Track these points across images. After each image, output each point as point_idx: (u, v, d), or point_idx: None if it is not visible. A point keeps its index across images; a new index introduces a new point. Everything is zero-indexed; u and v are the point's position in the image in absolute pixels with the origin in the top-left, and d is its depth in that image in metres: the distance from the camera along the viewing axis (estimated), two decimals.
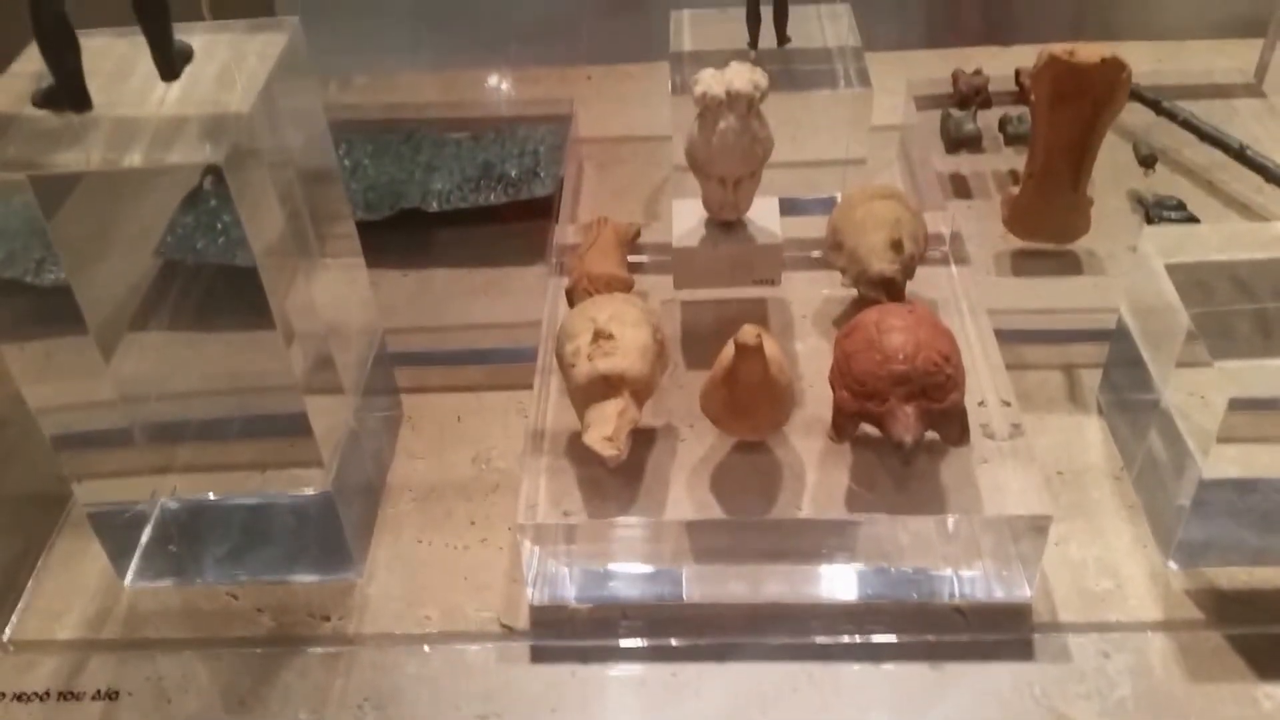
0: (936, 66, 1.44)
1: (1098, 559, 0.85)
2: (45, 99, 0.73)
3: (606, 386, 0.81)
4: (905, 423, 0.76)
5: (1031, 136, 0.96)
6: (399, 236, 1.15)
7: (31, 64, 0.76)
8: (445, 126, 1.30)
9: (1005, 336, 0.94)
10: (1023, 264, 1.04)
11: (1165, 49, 1.47)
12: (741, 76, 0.87)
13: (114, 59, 0.77)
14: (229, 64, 0.77)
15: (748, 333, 0.77)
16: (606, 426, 0.79)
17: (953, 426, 0.80)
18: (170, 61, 0.74)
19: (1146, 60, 1.44)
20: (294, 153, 0.80)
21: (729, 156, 0.88)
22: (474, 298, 1.11)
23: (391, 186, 1.18)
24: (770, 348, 0.81)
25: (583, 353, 0.82)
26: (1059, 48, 0.90)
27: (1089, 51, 0.89)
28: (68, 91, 0.72)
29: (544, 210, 1.17)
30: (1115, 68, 0.89)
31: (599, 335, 0.82)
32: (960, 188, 1.14)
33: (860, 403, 0.79)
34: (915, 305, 0.83)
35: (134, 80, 0.75)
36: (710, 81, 0.87)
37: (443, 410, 1.03)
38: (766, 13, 1.15)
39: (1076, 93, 0.91)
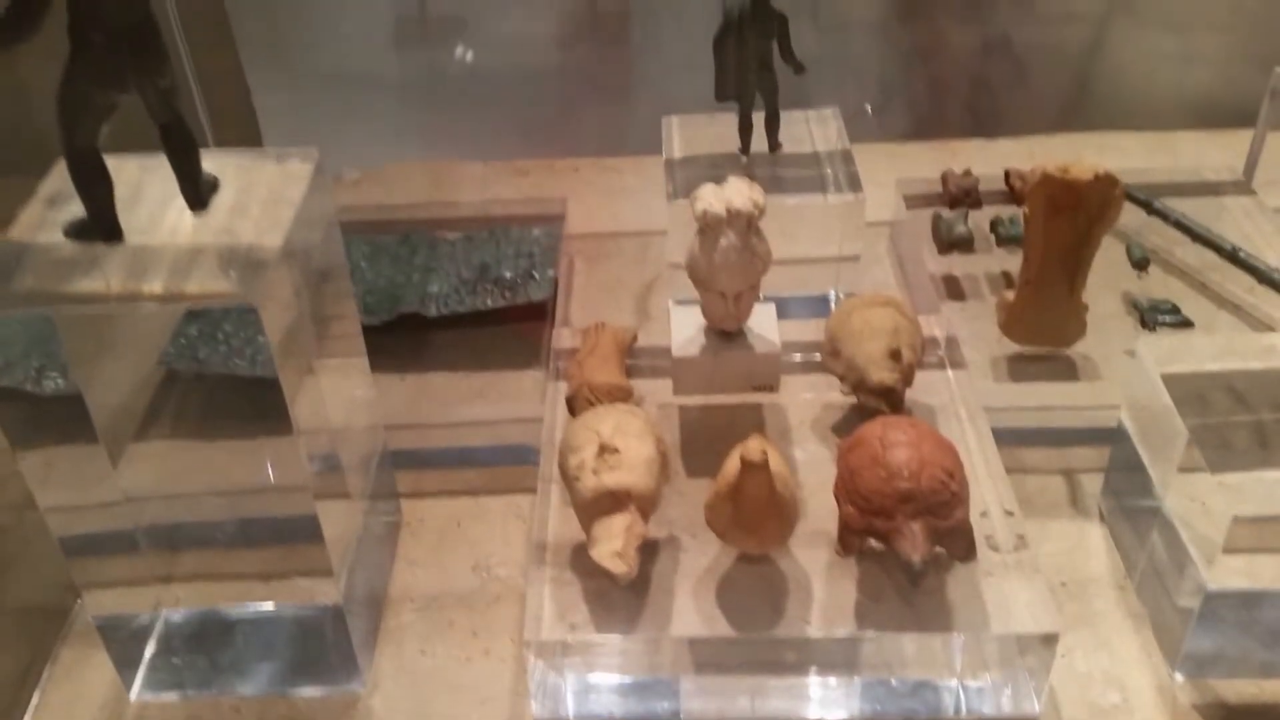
0: (924, 159, 1.47)
1: (1104, 671, 0.84)
2: (76, 231, 0.74)
3: (613, 501, 0.81)
4: (913, 541, 0.76)
5: (1026, 245, 0.98)
6: (395, 339, 1.15)
7: (56, 184, 0.77)
8: (440, 225, 1.31)
9: (1004, 440, 0.95)
10: (1019, 367, 1.05)
11: (1152, 140, 1.50)
12: (741, 195, 0.88)
13: (132, 185, 0.77)
14: (256, 195, 0.77)
15: (753, 449, 0.77)
16: (615, 542, 0.79)
17: (959, 543, 0.80)
18: (199, 192, 0.75)
19: (1134, 152, 1.48)
20: (310, 261, 0.81)
21: (730, 272, 0.89)
22: (471, 401, 1.10)
23: (390, 290, 1.19)
24: (775, 462, 0.81)
25: (588, 466, 0.82)
26: (1053, 165, 0.91)
27: (1082, 168, 0.91)
28: (99, 223, 0.73)
29: (539, 311, 1.18)
30: (1108, 184, 0.91)
31: (604, 449, 0.82)
32: (953, 289, 1.15)
33: (867, 519, 0.79)
34: (917, 420, 0.83)
35: (159, 208, 0.76)
36: (711, 199, 0.88)
37: (442, 515, 1.02)
38: (758, 119, 1.17)
39: (1071, 205, 0.93)
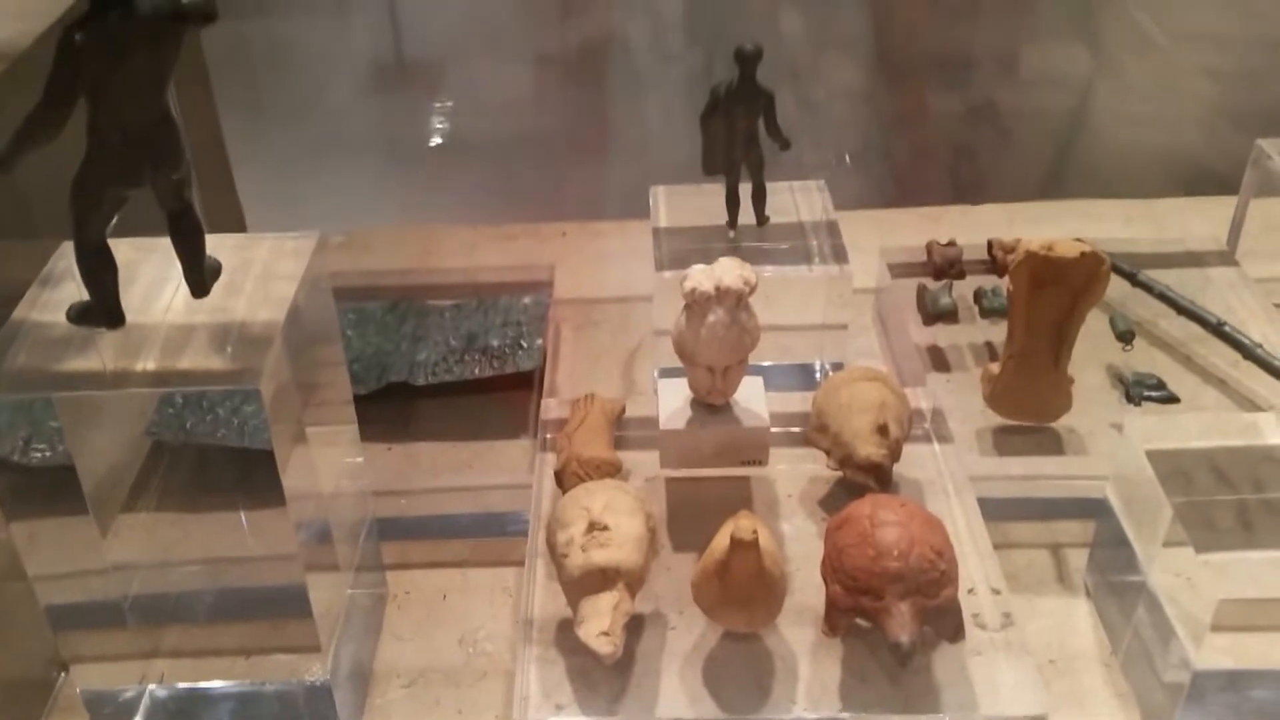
0: (908, 226, 1.48)
1: None
2: (80, 316, 0.75)
3: (602, 579, 0.80)
4: (901, 622, 0.76)
5: (1010, 320, 0.99)
6: (382, 408, 1.15)
7: (57, 265, 0.78)
8: (428, 293, 1.31)
9: (990, 515, 0.95)
10: (1005, 440, 1.06)
11: (1134, 207, 1.52)
12: (731, 273, 0.89)
13: (128, 266, 0.78)
14: (256, 277, 0.79)
15: (744, 527, 0.77)
16: (602, 621, 0.78)
17: (948, 622, 0.80)
18: (202, 279, 0.75)
19: (1115, 219, 1.49)
20: (305, 335, 0.82)
21: (717, 348, 0.90)
22: (458, 471, 1.10)
23: (378, 358, 1.19)
24: (764, 539, 0.81)
25: (576, 543, 0.82)
26: (1036, 244, 0.93)
27: (1066, 247, 0.92)
28: (104, 310, 0.73)
29: (527, 380, 1.18)
30: (1094, 261, 0.92)
31: (594, 526, 0.82)
32: (938, 360, 1.16)
33: (854, 598, 0.79)
34: (906, 498, 0.84)
35: (156, 290, 0.78)
36: (700, 278, 0.89)
37: (429, 588, 1.01)
38: (745, 191, 1.18)
39: (1055, 281, 0.94)
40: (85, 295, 0.74)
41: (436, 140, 1.89)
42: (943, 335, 1.19)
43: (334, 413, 0.89)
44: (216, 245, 0.78)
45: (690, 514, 0.98)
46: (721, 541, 0.79)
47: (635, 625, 0.87)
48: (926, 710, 0.81)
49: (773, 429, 1.01)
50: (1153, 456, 0.88)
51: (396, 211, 1.78)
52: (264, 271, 0.79)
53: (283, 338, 0.74)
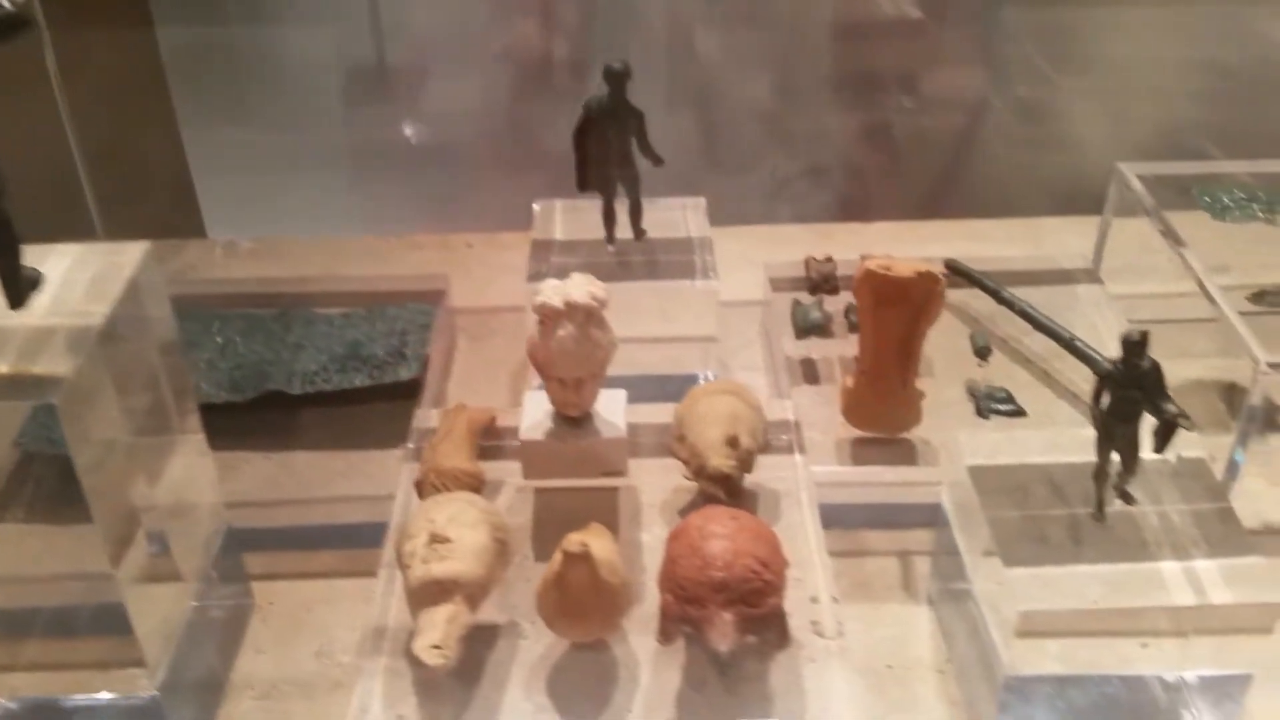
0: (801, 242, 1.50)
1: None
2: None
3: (439, 591, 0.82)
4: (722, 630, 0.78)
5: (860, 335, 1.02)
6: (263, 417, 1.16)
7: None
8: (320, 301, 1.33)
9: (847, 523, 0.98)
10: (863, 451, 1.09)
11: (1020, 226, 1.56)
12: (580, 289, 0.91)
13: None
14: (77, 288, 0.79)
15: (572, 541, 0.80)
16: (435, 633, 0.80)
17: (771, 631, 0.82)
18: (19, 290, 0.76)
19: (998, 238, 1.53)
20: (133, 347, 0.82)
21: (567, 361, 0.92)
22: (334, 481, 1.12)
23: (259, 366, 1.20)
24: (603, 550, 0.84)
25: (418, 555, 0.84)
26: (874, 262, 0.96)
27: (904, 266, 0.95)
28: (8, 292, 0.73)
29: (412, 390, 1.20)
30: (930, 280, 0.95)
31: (434, 538, 0.84)
32: (810, 373, 1.19)
33: (682, 607, 0.81)
34: (739, 511, 0.86)
35: None
36: (550, 293, 0.91)
37: (294, 599, 1.03)
38: (623, 207, 1.20)
39: (898, 299, 0.97)
40: None
41: (359, 150, 1.91)
42: (816, 349, 1.22)
43: (174, 422, 0.90)
44: (47, 255, 0.79)
45: (556, 524, 0.99)
46: (559, 554, 0.82)
47: (488, 636, 0.89)
48: (758, 716, 0.83)
49: (645, 440, 1.04)
50: (989, 470, 0.91)
51: (318, 220, 1.80)
52: (91, 281, 0.80)
53: (96, 349, 0.74)
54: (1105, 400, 0.84)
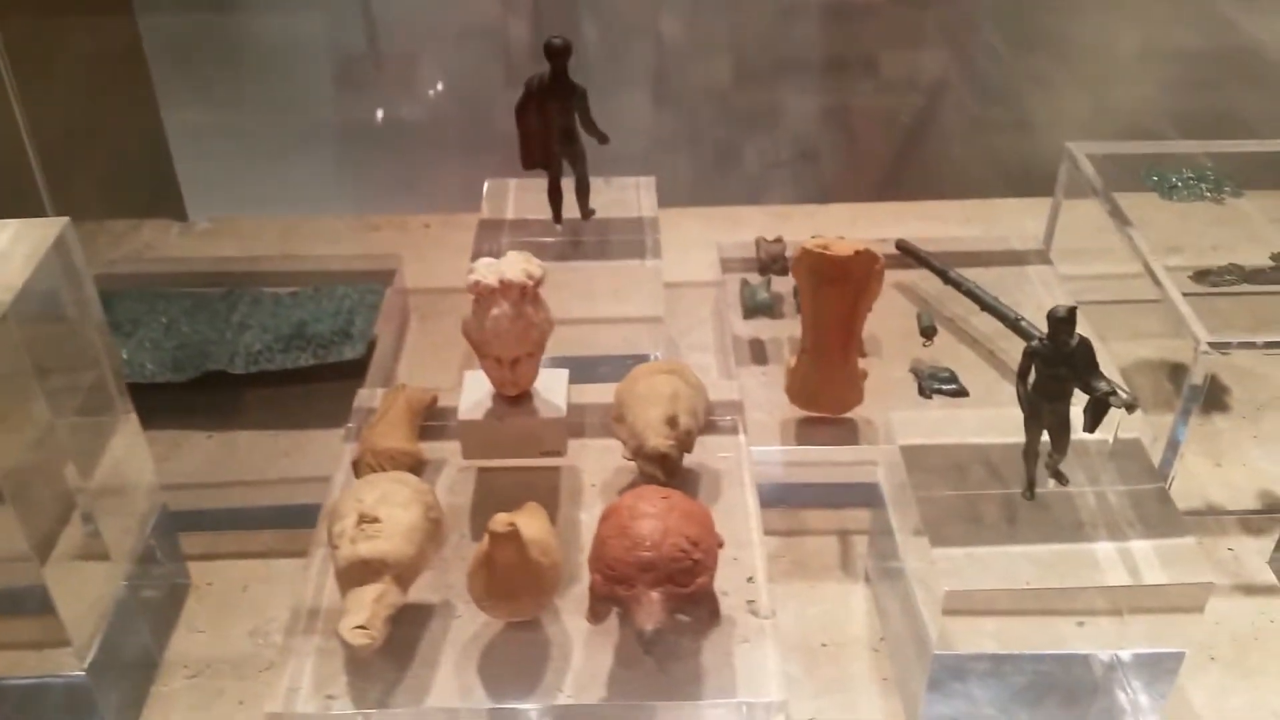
0: (758, 223, 1.51)
1: None
2: None
3: (367, 571, 0.82)
4: (648, 610, 0.78)
5: (801, 317, 1.01)
6: (206, 397, 1.15)
7: None
8: (272, 280, 1.32)
9: (790, 502, 0.98)
10: (807, 432, 1.08)
11: (975, 208, 1.56)
12: (515, 267, 0.90)
13: None
14: None
15: (499, 521, 0.79)
16: (361, 614, 0.79)
17: (701, 610, 0.82)
18: None
19: (955, 219, 1.53)
20: (44, 328, 0.81)
21: (502, 340, 0.91)
22: (275, 460, 1.11)
23: (202, 346, 1.19)
24: (534, 530, 0.83)
25: (347, 535, 0.83)
26: (812, 242, 0.95)
27: (843, 245, 0.95)
28: None
29: (360, 369, 1.19)
30: (869, 260, 0.94)
31: (363, 518, 0.83)
32: (758, 353, 1.19)
33: (610, 586, 0.81)
34: (671, 490, 0.86)
35: None
36: (484, 271, 0.90)
37: (231, 579, 1.02)
38: (569, 185, 1.20)
39: (838, 278, 0.96)
40: None
41: (330, 129, 1.90)
42: (765, 329, 1.22)
43: (100, 403, 0.89)
44: None
45: (496, 504, 0.98)
46: (488, 534, 0.81)
47: (421, 615, 0.89)
48: (687, 696, 0.83)
49: (588, 420, 1.03)
50: (928, 449, 0.91)
51: (277, 200, 1.79)
52: (2, 258, 0.79)
53: (4, 327, 0.73)
54: (1034, 378, 0.83)
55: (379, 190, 1.87)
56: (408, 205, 1.66)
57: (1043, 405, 0.83)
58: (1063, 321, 0.80)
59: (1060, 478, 0.88)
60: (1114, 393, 0.81)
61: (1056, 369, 0.81)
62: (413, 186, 1.86)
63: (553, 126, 1.11)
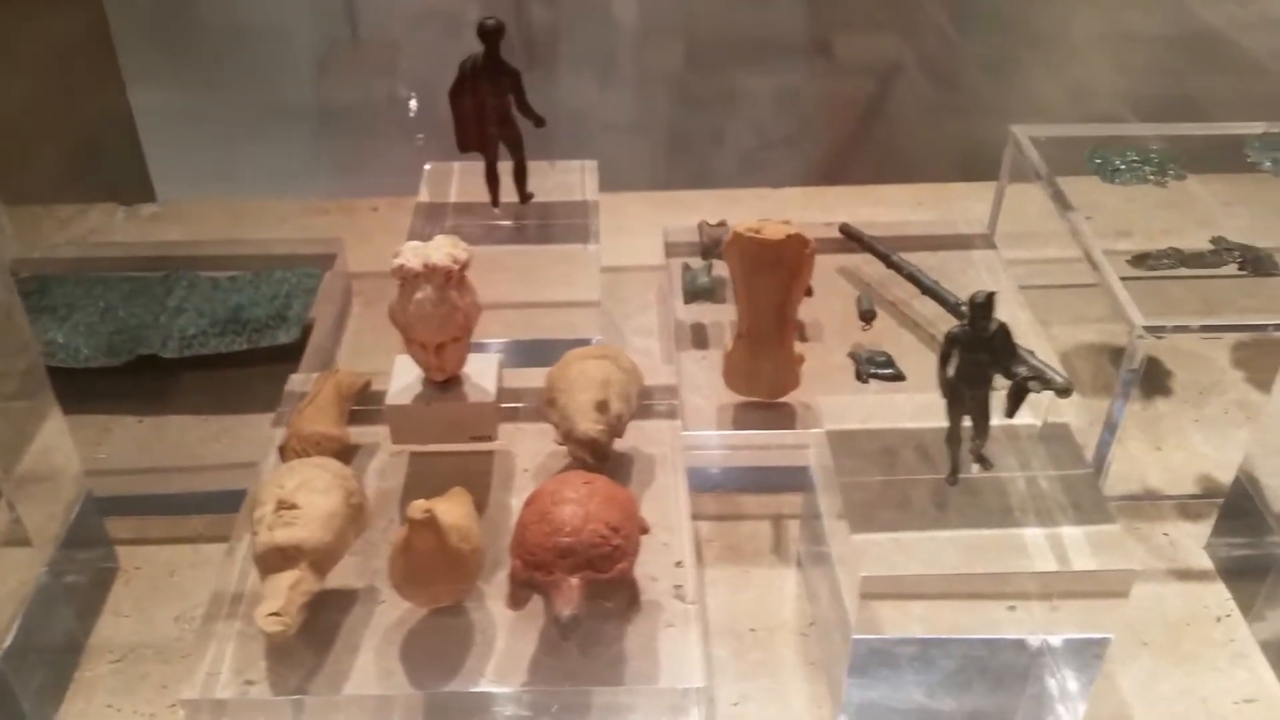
0: (706, 208, 1.49)
1: None
2: None
3: (283, 557, 0.81)
4: (566, 596, 0.77)
5: (736, 301, 1.01)
6: (140, 382, 1.14)
7: None
8: (210, 265, 1.30)
9: (726, 486, 0.97)
10: (745, 416, 1.08)
11: (927, 192, 1.55)
12: (440, 251, 0.89)
13: None
14: None
15: (416, 507, 0.78)
16: (276, 601, 0.79)
17: (621, 596, 0.81)
18: None
19: (906, 203, 1.53)
20: None
21: (426, 324, 0.90)
22: (207, 445, 1.10)
23: (137, 330, 1.18)
24: (455, 515, 0.82)
25: (265, 521, 0.82)
26: (744, 226, 0.94)
27: (773, 229, 0.94)
28: None
29: (296, 353, 1.18)
30: (800, 244, 0.94)
31: (281, 504, 0.82)
32: (699, 338, 1.18)
33: (529, 572, 0.80)
34: (595, 476, 0.85)
35: None
36: (408, 255, 0.89)
37: (159, 563, 1.01)
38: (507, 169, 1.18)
39: (771, 262, 0.96)
40: None
41: (282, 111, 1.88)
42: (707, 314, 1.21)
43: (22, 390, 0.88)
44: None
45: (427, 489, 0.97)
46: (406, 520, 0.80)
47: (345, 601, 0.88)
48: (610, 682, 0.83)
49: (523, 404, 1.03)
50: (860, 434, 0.91)
51: (227, 183, 1.77)
52: None
53: None
54: (955, 363, 0.83)
55: (344, 173, 1.85)
56: (373, 188, 1.64)
57: (964, 390, 0.83)
58: (981, 307, 0.79)
59: (984, 462, 0.87)
60: (1033, 378, 0.81)
61: (976, 354, 0.81)
62: (374, 169, 1.84)
63: (487, 109, 1.10)
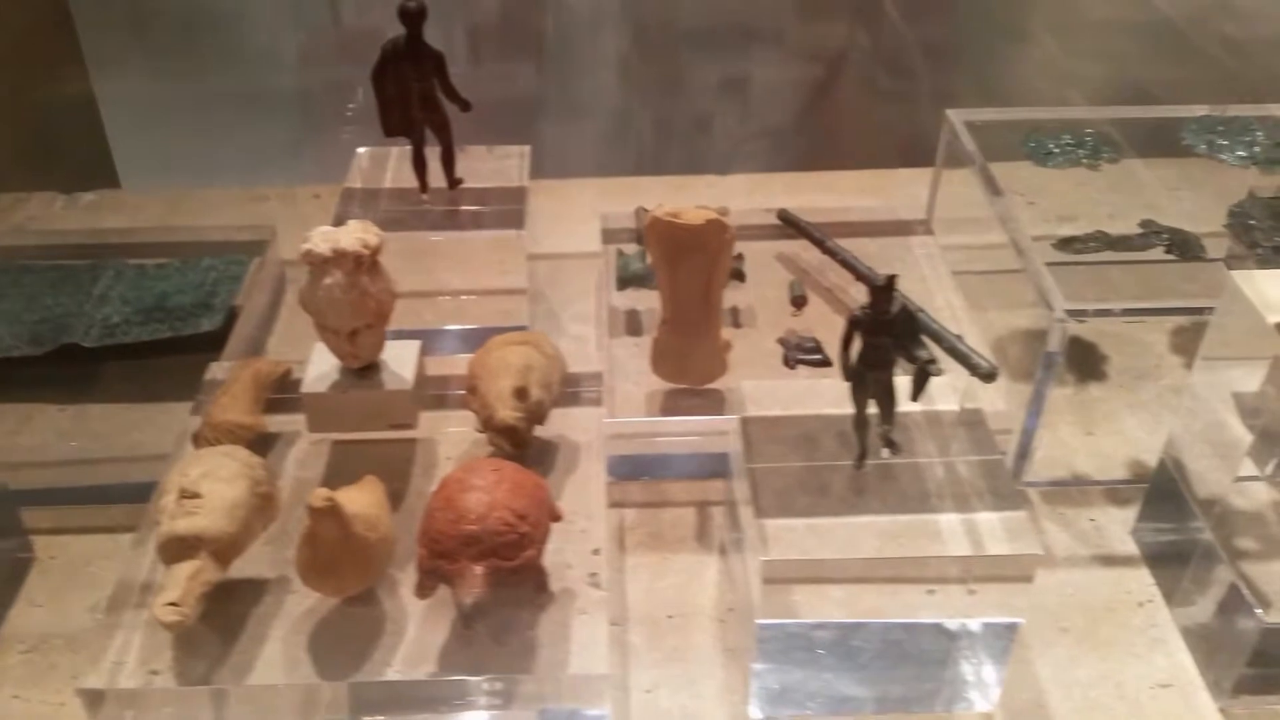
0: (655, 193, 1.48)
1: (684, 708, 0.86)
2: None
3: (183, 547, 0.80)
4: (470, 583, 0.77)
5: (659, 288, 1.00)
6: (62, 371, 1.13)
7: None
8: (143, 253, 1.29)
9: (655, 474, 0.96)
10: (674, 403, 1.07)
11: (872, 178, 1.55)
12: (350, 236, 0.88)
13: None
14: None
15: (317, 495, 0.77)
16: (174, 591, 0.78)
17: (527, 584, 0.81)
18: None
19: (851, 190, 1.52)
20: None
21: (336, 310, 0.89)
22: (126, 434, 1.09)
23: (62, 319, 1.16)
24: (362, 504, 0.82)
25: (167, 511, 0.81)
26: (662, 210, 0.93)
27: (693, 214, 0.93)
28: None
29: (223, 342, 1.16)
30: (718, 228, 0.93)
31: (184, 494, 0.81)
32: (633, 324, 1.17)
33: (435, 561, 0.79)
34: (504, 463, 0.84)
35: None
36: (317, 241, 0.88)
37: (76, 554, 1.00)
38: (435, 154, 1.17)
39: (691, 248, 0.95)
40: None
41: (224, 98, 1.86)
42: (642, 300, 1.20)
43: None
44: None
45: (347, 477, 0.96)
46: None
47: (255, 591, 0.87)
48: (520, 670, 0.82)
49: (448, 392, 1.02)
50: (758, 421, 0.90)
51: (165, 171, 1.75)
52: None
53: None
54: (857, 347, 0.82)
55: (298, 160, 1.83)
56: (328, 175, 1.63)
57: (867, 374, 0.82)
58: (882, 290, 0.79)
59: (893, 446, 0.87)
60: (933, 361, 0.81)
61: (878, 338, 0.80)
62: (329, 155, 1.82)
63: (411, 93, 1.08)
